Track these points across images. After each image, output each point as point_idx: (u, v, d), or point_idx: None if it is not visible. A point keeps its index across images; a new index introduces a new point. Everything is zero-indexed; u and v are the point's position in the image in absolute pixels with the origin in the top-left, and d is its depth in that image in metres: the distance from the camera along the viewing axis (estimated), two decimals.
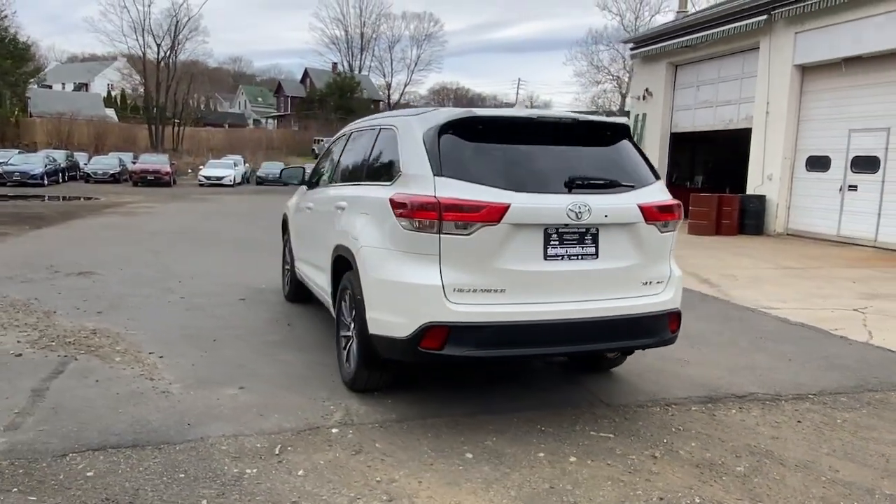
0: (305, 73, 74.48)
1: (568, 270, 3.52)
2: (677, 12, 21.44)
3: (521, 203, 3.38)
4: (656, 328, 3.76)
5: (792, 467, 3.38)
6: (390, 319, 3.53)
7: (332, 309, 4.72)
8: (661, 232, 3.75)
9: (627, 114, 22.32)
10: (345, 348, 4.30)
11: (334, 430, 3.61)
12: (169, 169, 32.24)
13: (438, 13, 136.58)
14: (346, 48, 72.79)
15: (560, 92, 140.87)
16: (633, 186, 3.71)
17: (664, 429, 3.81)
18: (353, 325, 4.08)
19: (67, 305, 6.28)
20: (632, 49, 20.63)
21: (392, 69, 78.29)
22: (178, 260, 9.36)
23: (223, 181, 33.55)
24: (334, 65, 73.21)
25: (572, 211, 3.45)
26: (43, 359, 4.68)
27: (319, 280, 5.01)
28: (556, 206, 3.44)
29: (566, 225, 3.49)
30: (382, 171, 4.06)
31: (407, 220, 3.43)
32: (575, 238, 3.52)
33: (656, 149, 19.39)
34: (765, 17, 15.17)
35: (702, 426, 3.88)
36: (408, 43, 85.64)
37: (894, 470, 3.38)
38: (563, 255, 3.51)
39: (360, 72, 71.11)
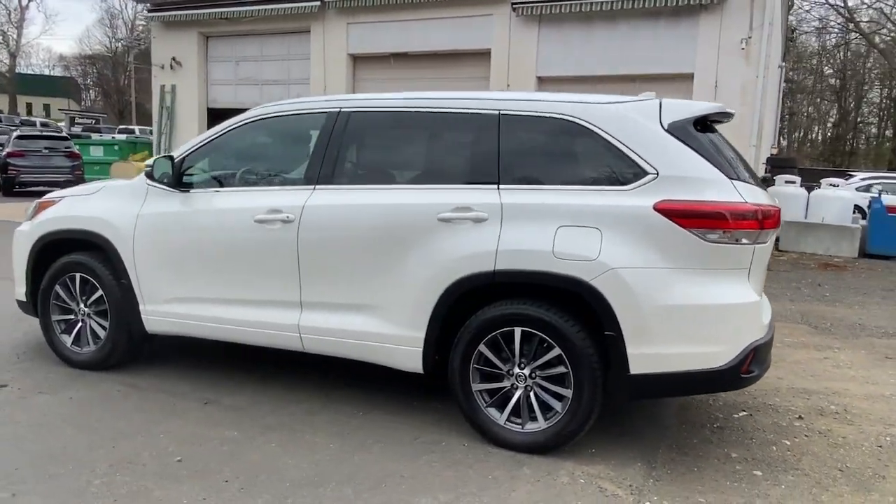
0: None
1: None
2: None
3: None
4: None
5: None
6: (693, 350, 3.00)
7: (407, 361, 3.47)
8: None
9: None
10: (491, 406, 3.32)
11: None
12: None
13: None
14: None
15: None
16: None
17: None
18: (528, 374, 3.26)
19: None
20: (150, 10, 18.33)
21: None
22: None
23: None
24: None
25: None
26: None
27: (352, 324, 3.53)
28: None
29: None
30: (577, 172, 3.22)
31: (717, 233, 2.96)
32: None
33: (194, 125, 18.06)
34: (318, 2, 15.87)
35: None
36: None
37: None
38: None
39: None
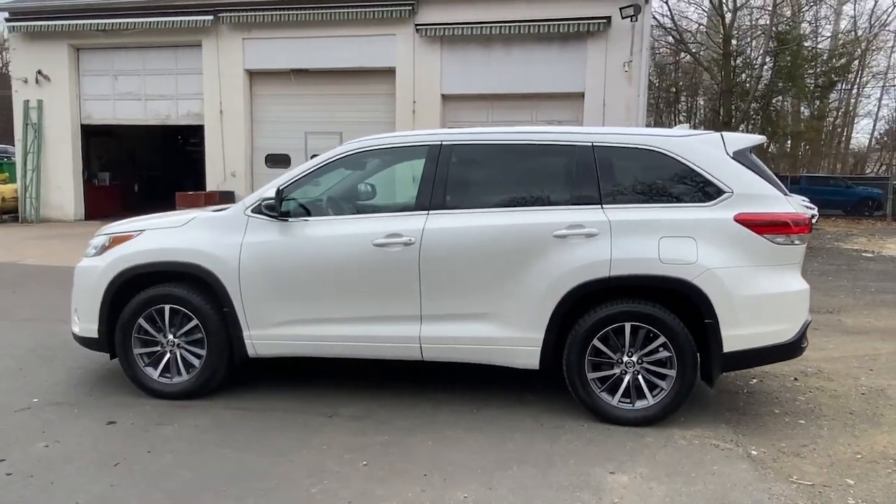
0: None
1: None
2: None
3: None
4: None
5: None
6: (770, 329, 3.87)
7: (524, 359, 4.05)
8: None
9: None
10: (604, 391, 3.97)
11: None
12: None
13: None
14: None
15: None
16: None
17: None
18: (636, 360, 3.95)
19: None
20: (9, 20, 16.71)
21: None
22: None
23: None
24: None
25: None
26: None
27: (471, 332, 4.03)
28: None
29: None
30: (667, 192, 3.97)
31: (782, 237, 3.83)
32: None
33: (67, 142, 16.80)
34: (211, 17, 15.49)
35: None
36: None
37: None
38: None
39: None
